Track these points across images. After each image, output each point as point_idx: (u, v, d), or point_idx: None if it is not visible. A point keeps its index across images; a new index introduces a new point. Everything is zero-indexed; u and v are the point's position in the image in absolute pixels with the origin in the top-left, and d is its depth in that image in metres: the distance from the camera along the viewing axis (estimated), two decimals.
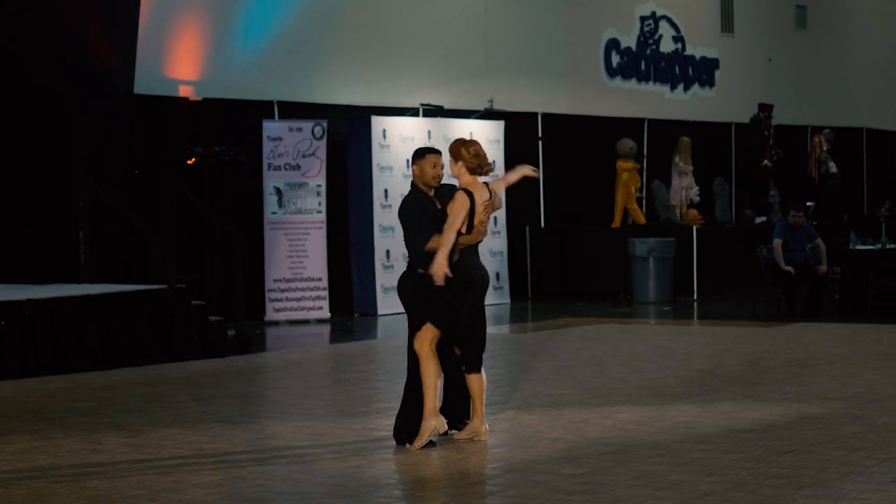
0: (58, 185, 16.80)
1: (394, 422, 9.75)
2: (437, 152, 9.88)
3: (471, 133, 21.22)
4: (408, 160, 20.18)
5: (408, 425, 9.56)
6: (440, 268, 9.38)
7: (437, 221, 9.61)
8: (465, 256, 9.59)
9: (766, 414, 10.64)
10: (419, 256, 9.65)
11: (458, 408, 9.86)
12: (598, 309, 20.51)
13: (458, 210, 9.53)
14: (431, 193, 9.82)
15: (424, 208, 9.70)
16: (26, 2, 16.87)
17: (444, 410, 9.76)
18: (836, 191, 28.66)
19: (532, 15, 24.38)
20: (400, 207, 9.87)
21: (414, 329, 9.59)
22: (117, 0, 17.64)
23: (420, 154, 9.87)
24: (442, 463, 9.05)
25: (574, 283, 22.90)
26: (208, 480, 8.60)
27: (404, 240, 9.85)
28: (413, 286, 9.66)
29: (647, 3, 26.86)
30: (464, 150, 9.74)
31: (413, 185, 9.86)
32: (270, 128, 19.22)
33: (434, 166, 9.80)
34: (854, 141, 31.49)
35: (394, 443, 9.59)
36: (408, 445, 9.54)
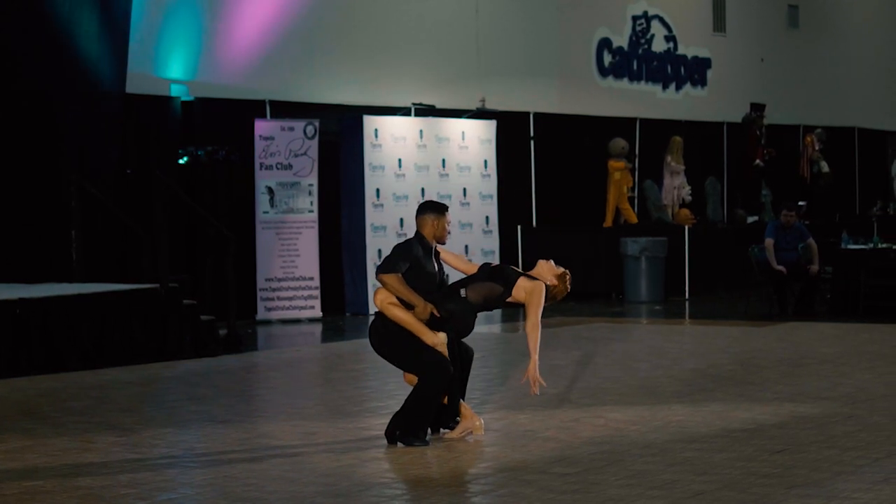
0: (50, 185, 16.78)
1: (388, 421, 9.74)
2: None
3: (463, 133, 21.26)
4: (400, 159, 20.29)
5: (404, 427, 9.56)
6: (536, 376, 9.56)
7: (433, 278, 9.69)
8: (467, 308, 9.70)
9: (758, 413, 10.65)
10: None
11: (448, 409, 9.86)
12: (590, 308, 20.52)
13: (539, 299, 9.63)
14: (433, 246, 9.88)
15: (418, 256, 9.69)
16: (19, 2, 16.85)
17: None
18: (828, 190, 28.69)
19: (524, 14, 24.39)
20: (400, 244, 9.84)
21: (421, 365, 9.61)
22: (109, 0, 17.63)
23: (441, 211, 9.85)
24: (434, 462, 9.05)
25: None
26: (200, 479, 8.59)
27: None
28: (385, 334, 9.70)
29: (639, 3, 26.88)
30: (567, 275, 9.83)
31: (420, 235, 9.82)
32: (262, 127, 19.21)
33: (448, 224, 9.89)
34: (846, 140, 31.52)
35: (385, 442, 9.59)
36: (443, 432, 9.73)
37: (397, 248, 9.81)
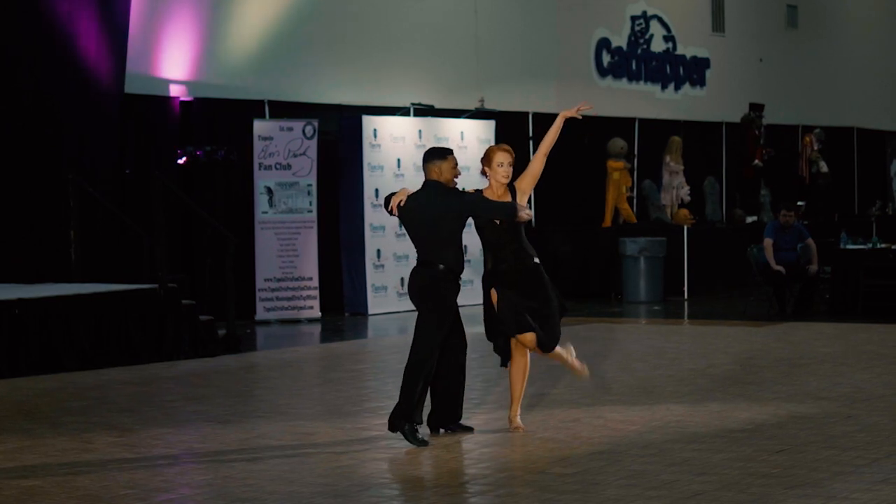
0: (49, 185, 16.78)
1: (388, 416, 9.70)
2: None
3: (462, 133, 21.26)
4: (399, 159, 20.30)
5: (403, 414, 9.54)
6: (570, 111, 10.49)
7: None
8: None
9: (757, 413, 10.65)
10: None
11: (447, 410, 9.87)
12: (589, 308, 20.51)
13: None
14: None
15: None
16: (17, 2, 16.85)
17: (432, 413, 9.79)
18: (827, 190, 28.70)
19: (523, 14, 24.38)
20: (464, 202, 10.03)
21: (428, 329, 9.57)
22: (108, 0, 17.63)
23: (443, 155, 9.86)
24: (433, 462, 9.05)
25: (565, 282, 22.88)
26: (199, 480, 8.59)
27: (445, 238, 9.97)
28: (454, 290, 9.71)
29: (639, 3, 26.88)
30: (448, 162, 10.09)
31: (437, 182, 9.76)
32: (261, 127, 19.21)
33: (455, 166, 9.91)
34: (845, 140, 31.53)
35: (385, 442, 9.58)
36: (443, 432, 9.79)
37: (469, 195, 10.07)
